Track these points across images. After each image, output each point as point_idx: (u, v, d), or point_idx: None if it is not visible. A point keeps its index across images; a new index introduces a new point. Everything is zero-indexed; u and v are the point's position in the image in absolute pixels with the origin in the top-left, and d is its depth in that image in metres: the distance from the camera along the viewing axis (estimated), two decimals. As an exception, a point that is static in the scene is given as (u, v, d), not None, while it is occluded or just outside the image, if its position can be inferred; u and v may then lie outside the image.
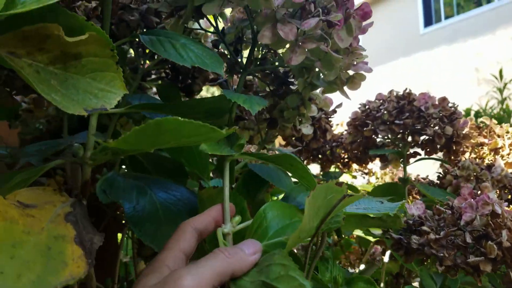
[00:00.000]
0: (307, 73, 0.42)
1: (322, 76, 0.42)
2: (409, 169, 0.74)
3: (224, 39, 0.45)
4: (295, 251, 0.60)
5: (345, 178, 1.25)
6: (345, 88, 0.43)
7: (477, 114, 4.20)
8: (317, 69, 0.42)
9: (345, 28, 0.35)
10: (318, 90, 0.49)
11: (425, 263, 0.46)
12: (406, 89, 0.67)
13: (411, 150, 0.72)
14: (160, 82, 0.61)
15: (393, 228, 0.50)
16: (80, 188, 0.32)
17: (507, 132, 0.80)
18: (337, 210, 0.26)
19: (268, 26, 0.35)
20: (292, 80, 0.49)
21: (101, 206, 0.52)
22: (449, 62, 6.02)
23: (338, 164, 0.90)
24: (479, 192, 0.65)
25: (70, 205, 0.28)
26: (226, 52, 0.49)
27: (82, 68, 0.23)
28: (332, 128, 0.67)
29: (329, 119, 0.65)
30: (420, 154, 0.73)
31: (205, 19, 0.44)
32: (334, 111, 0.64)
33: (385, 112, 0.64)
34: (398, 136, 0.67)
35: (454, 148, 0.65)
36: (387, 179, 1.20)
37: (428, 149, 0.68)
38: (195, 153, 0.46)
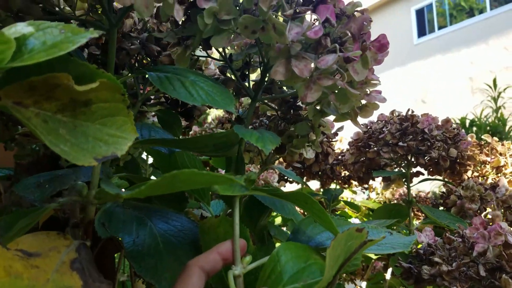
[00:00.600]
0: (318, 101, 0.40)
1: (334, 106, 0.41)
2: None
3: (231, 65, 0.44)
4: None
5: (345, 194, 1.24)
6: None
7: (472, 123, 4.22)
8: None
9: (360, 61, 0.33)
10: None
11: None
12: (408, 110, 0.66)
13: (414, 170, 0.71)
14: (159, 107, 0.60)
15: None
16: (84, 228, 0.31)
17: (509, 148, 0.80)
18: (357, 256, 0.25)
19: (281, 61, 0.33)
20: (301, 104, 0.48)
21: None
22: (444, 71, 6.07)
23: (339, 181, 0.90)
24: (484, 213, 0.64)
25: (75, 249, 0.27)
26: (232, 77, 0.48)
27: (92, 114, 0.22)
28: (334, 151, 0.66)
29: (331, 142, 0.64)
30: (423, 174, 0.72)
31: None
32: (336, 134, 0.64)
33: (388, 133, 0.64)
34: (401, 156, 0.67)
35: (458, 169, 0.65)
36: (388, 194, 1.19)
37: (431, 170, 0.68)
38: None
